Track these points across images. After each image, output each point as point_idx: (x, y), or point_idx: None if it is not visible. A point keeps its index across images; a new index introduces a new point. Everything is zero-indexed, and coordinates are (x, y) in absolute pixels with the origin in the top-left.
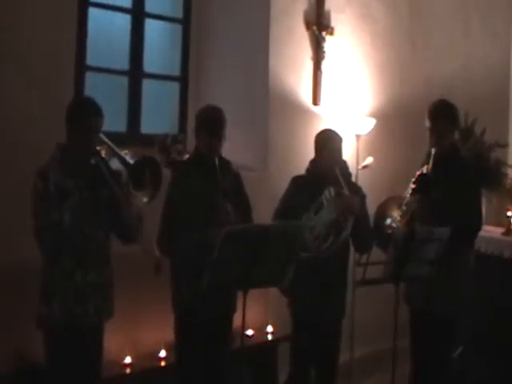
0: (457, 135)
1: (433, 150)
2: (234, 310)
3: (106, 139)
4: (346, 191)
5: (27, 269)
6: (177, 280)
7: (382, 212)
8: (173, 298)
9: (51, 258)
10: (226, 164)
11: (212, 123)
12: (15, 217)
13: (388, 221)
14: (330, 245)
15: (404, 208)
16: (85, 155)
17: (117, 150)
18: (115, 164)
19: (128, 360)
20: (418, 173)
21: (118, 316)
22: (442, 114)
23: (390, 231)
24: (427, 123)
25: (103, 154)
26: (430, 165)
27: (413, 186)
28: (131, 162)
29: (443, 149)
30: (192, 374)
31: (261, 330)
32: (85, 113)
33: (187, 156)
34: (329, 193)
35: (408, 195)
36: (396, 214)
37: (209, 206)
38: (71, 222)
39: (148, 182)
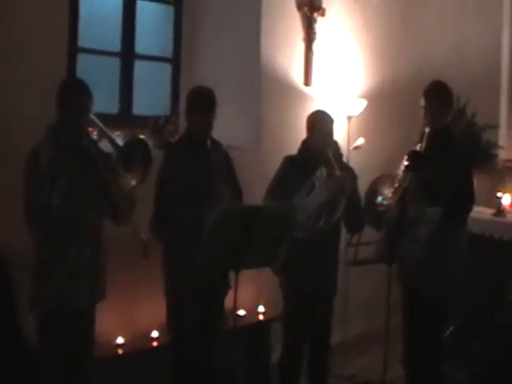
0: (449, 118)
1: (426, 129)
2: (228, 287)
3: (96, 120)
4: (337, 172)
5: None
6: (169, 260)
7: (374, 189)
8: (165, 277)
9: (41, 240)
10: (216, 145)
11: (206, 102)
12: (6, 198)
13: (379, 198)
14: (322, 225)
15: (396, 185)
16: (75, 135)
17: (107, 131)
18: (106, 146)
19: (120, 341)
20: (412, 150)
21: (110, 297)
22: (438, 93)
23: (380, 209)
24: (422, 102)
25: (95, 135)
26: (424, 143)
27: (405, 162)
28: (121, 143)
29: (437, 128)
30: (185, 353)
31: (253, 311)
32: (72, 92)
33: (178, 137)
34: (320, 173)
35: (400, 172)
36: (388, 191)
37: (203, 186)
38: (61, 202)
39: (138, 163)
